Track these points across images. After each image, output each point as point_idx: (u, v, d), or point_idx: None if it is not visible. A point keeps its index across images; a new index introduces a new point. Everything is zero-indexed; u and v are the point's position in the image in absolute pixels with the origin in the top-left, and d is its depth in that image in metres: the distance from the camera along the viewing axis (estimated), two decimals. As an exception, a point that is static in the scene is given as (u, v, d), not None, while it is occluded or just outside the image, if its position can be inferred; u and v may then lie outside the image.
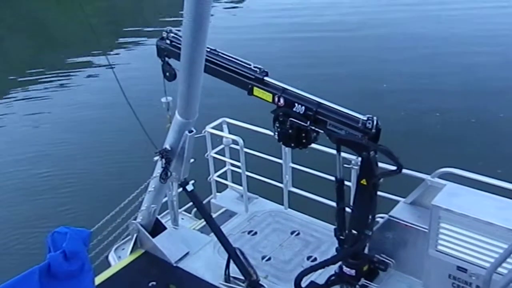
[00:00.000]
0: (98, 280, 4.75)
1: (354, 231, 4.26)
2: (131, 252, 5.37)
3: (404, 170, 3.97)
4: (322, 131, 4.15)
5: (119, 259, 5.38)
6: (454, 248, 4.16)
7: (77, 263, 3.29)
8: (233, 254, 4.76)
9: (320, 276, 4.73)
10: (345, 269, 4.51)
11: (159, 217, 5.47)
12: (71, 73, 17.28)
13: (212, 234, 5.18)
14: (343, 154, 4.29)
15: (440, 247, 4.25)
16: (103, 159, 11.24)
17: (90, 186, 10.13)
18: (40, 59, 19.45)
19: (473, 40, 17.25)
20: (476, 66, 14.98)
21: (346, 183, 4.48)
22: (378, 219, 4.59)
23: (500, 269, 3.35)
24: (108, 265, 5.31)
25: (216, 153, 6.11)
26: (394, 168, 3.92)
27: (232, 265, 4.76)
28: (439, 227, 4.18)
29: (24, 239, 8.49)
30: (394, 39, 17.93)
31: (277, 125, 4.32)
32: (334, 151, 4.25)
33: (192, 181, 5.00)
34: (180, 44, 4.00)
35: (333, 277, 4.61)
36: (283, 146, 5.09)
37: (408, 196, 4.71)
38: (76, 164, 11.12)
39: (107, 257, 5.33)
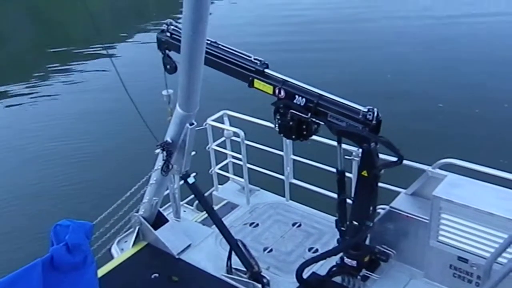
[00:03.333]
0: (101, 272, 4.79)
1: (355, 222, 4.28)
2: (134, 244, 5.40)
3: (405, 161, 3.98)
4: (323, 123, 4.15)
5: (122, 251, 5.42)
6: (455, 239, 4.19)
7: (80, 256, 3.32)
8: (235, 246, 4.79)
9: (322, 267, 4.75)
10: (346, 260, 4.53)
11: (161, 209, 5.49)
12: (74, 67, 17.30)
13: (214, 226, 5.21)
14: (344, 146, 4.29)
15: (441, 238, 4.26)
16: (105, 152, 11.28)
17: (92, 178, 10.17)
18: (43, 53, 19.46)
19: (478, 32, 17.21)
20: (479, 58, 14.94)
21: (347, 174, 4.48)
22: (379, 210, 4.60)
23: (500, 259, 3.36)
24: (110, 257, 5.34)
25: (217, 145, 6.12)
26: (395, 159, 3.92)
27: (234, 257, 4.78)
28: (440, 218, 4.20)
29: (27, 232, 8.53)
30: (399, 31, 17.91)
31: (278, 117, 4.32)
32: (335, 143, 4.26)
33: (194, 174, 5.01)
34: (180, 36, 3.99)
35: (334, 268, 4.63)
36: (284, 138, 5.10)
37: (409, 187, 4.72)
38: (78, 157, 11.15)
39: (109, 249, 5.36)
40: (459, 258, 4.20)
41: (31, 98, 15.14)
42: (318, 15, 20.66)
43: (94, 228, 3.74)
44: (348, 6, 21.58)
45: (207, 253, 5.23)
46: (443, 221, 4.20)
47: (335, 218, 4.54)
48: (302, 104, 4.15)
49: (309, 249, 5.24)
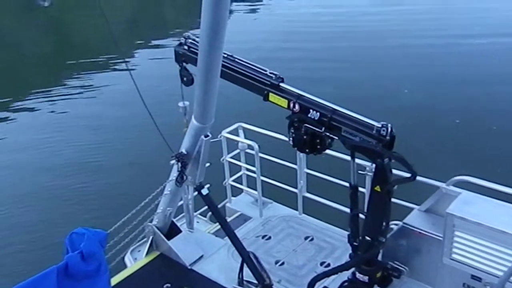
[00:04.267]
0: (114, 281, 4.84)
1: (367, 238, 4.26)
2: (147, 254, 5.44)
3: (419, 178, 3.97)
4: (336, 137, 4.17)
5: (135, 260, 5.46)
6: (468, 257, 4.14)
7: (94, 264, 3.36)
8: (247, 258, 4.79)
9: (333, 282, 4.73)
10: (358, 275, 4.51)
11: (174, 220, 5.53)
12: (91, 77, 17.56)
13: (226, 237, 5.22)
14: (357, 161, 4.29)
15: (454, 256, 4.22)
16: (121, 162, 11.40)
17: (108, 188, 10.28)
18: (61, 63, 19.82)
19: (496, 47, 17.11)
20: (498, 73, 14.84)
21: (360, 189, 4.48)
22: (392, 226, 4.58)
23: None
24: (124, 266, 5.39)
25: (231, 157, 6.16)
26: (408, 175, 3.92)
27: (246, 269, 4.78)
28: (454, 235, 4.17)
29: (43, 239, 8.64)
30: (414, 45, 17.87)
31: (292, 130, 4.34)
32: (348, 157, 4.26)
33: (208, 185, 5.04)
34: (197, 50, 4.06)
35: (346, 283, 4.61)
36: (298, 152, 5.12)
37: (423, 204, 4.69)
38: (94, 166, 11.29)
39: (123, 258, 5.41)
40: (473, 277, 4.15)
41: (48, 106, 15.37)
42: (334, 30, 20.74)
43: (108, 237, 3.79)
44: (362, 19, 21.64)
45: (219, 265, 5.25)
46: (457, 238, 4.16)
47: (347, 232, 4.53)
48: (316, 118, 4.17)
49: (321, 263, 5.23)
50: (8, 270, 7.87)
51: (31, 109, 15.29)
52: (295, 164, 5.66)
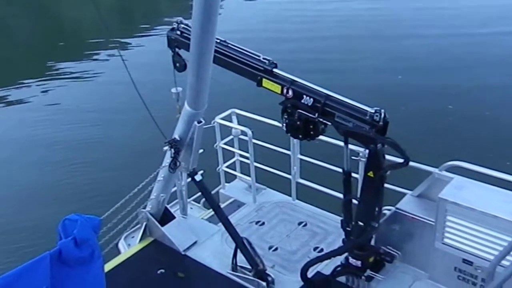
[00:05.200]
0: (108, 267, 4.84)
1: (360, 223, 4.29)
2: (140, 240, 5.45)
3: (411, 163, 3.98)
4: (330, 123, 4.16)
5: (129, 246, 5.47)
6: (460, 241, 4.19)
7: (87, 250, 3.36)
8: (241, 244, 4.82)
9: (326, 267, 4.77)
10: (351, 260, 4.54)
11: (168, 206, 5.54)
12: (83, 63, 17.40)
13: (220, 223, 5.24)
14: (350, 146, 4.30)
15: (446, 240, 4.27)
16: (114, 148, 11.37)
17: (101, 174, 10.25)
18: (51, 52, 19.61)
19: (491, 35, 17.10)
20: (492, 60, 14.85)
21: (354, 175, 4.49)
22: (385, 211, 4.61)
23: (504, 262, 3.36)
24: (117, 252, 5.39)
25: (225, 143, 6.15)
26: (401, 160, 3.93)
27: (239, 255, 4.81)
28: (446, 220, 4.20)
29: (36, 226, 8.63)
30: (411, 32, 17.85)
31: (286, 116, 4.34)
32: (341, 143, 4.27)
33: (201, 171, 5.04)
34: (190, 35, 4.02)
35: (339, 268, 4.65)
36: (291, 138, 5.12)
37: (415, 189, 4.72)
38: (87, 152, 11.25)
39: (116, 244, 5.41)
40: (464, 261, 4.20)
41: (40, 93, 15.25)
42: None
43: (101, 223, 3.78)
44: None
45: (212, 250, 5.27)
46: (449, 223, 4.20)
47: (340, 218, 4.55)
48: (309, 104, 4.16)
49: (314, 249, 5.26)
50: (1, 257, 7.86)
51: (22, 98, 15.14)
52: (289, 150, 5.66)
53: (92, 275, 3.38)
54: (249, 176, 6.10)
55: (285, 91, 4.28)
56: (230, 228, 4.95)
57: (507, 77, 13.62)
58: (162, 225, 5.38)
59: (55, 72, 16.84)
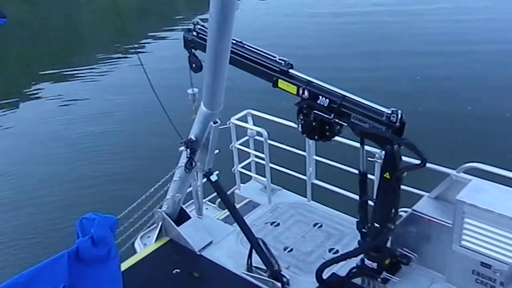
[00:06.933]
0: (124, 266, 4.88)
1: (376, 225, 4.26)
2: (156, 239, 5.49)
3: (429, 165, 3.96)
4: (346, 124, 4.15)
5: (145, 246, 5.51)
6: (478, 244, 4.13)
7: (104, 249, 3.40)
8: (256, 244, 4.82)
9: (342, 268, 4.75)
10: (367, 262, 4.52)
11: (183, 206, 5.57)
12: (102, 65, 17.58)
13: (235, 224, 5.25)
14: (366, 148, 4.28)
15: (464, 243, 4.22)
16: (131, 148, 11.46)
17: (118, 174, 10.35)
18: (70, 53, 19.88)
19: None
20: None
21: (370, 176, 4.47)
22: (401, 213, 4.58)
23: None
24: (134, 251, 5.44)
25: (240, 144, 6.16)
26: (418, 162, 3.90)
27: (255, 255, 4.82)
28: (464, 222, 4.15)
29: (54, 224, 8.75)
30: (429, 32, 17.67)
31: (301, 117, 4.34)
32: (357, 144, 4.24)
33: (217, 172, 5.06)
34: (206, 36, 4.04)
35: (354, 270, 4.62)
36: (307, 139, 5.11)
37: (433, 191, 4.67)
38: (104, 153, 11.37)
39: (133, 244, 5.46)
40: (482, 264, 4.14)
41: (56, 93, 15.44)
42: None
43: (118, 222, 3.82)
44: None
45: (228, 251, 5.28)
46: (466, 225, 4.15)
47: (356, 219, 4.53)
48: (325, 104, 4.15)
49: (330, 250, 5.24)
50: (20, 255, 7.99)
51: (39, 96, 15.37)
52: (304, 151, 5.65)
53: (109, 274, 3.42)
54: (264, 177, 6.10)
55: (301, 91, 4.27)
56: (245, 229, 4.96)
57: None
58: (178, 225, 5.41)
59: (70, 72, 17.05)
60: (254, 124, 6.00)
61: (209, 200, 6.37)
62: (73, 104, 14.63)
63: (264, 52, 4.52)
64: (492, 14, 19.32)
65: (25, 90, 15.95)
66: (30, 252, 7.93)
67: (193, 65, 4.94)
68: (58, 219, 8.78)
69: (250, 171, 6.47)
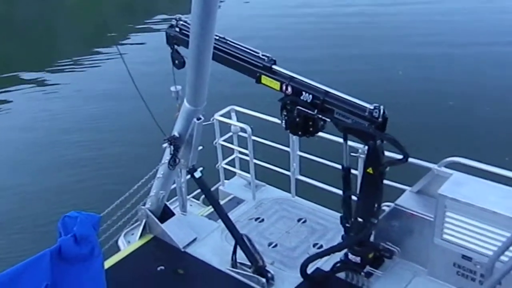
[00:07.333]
0: (108, 264, 4.85)
1: (360, 219, 4.30)
2: (140, 237, 5.46)
3: (411, 159, 3.99)
4: (329, 120, 4.17)
5: (128, 243, 5.48)
6: (459, 237, 4.20)
7: (87, 247, 3.35)
8: (240, 241, 4.83)
9: (326, 263, 4.78)
10: (350, 256, 4.56)
11: (167, 203, 5.54)
12: (82, 61, 17.36)
13: (219, 220, 5.25)
14: (350, 143, 4.31)
15: (445, 236, 4.28)
16: (113, 145, 11.36)
17: (100, 171, 10.25)
18: (52, 49, 19.58)
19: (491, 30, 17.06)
20: (495, 57, 14.82)
21: (353, 171, 4.50)
22: (384, 208, 4.62)
23: (503, 257, 3.37)
24: (117, 249, 5.40)
25: (224, 140, 6.15)
26: (400, 157, 3.94)
27: (239, 251, 4.82)
28: (445, 216, 4.21)
29: (35, 223, 8.64)
30: (411, 27, 17.80)
31: (285, 113, 4.34)
32: (341, 140, 4.27)
33: (200, 168, 5.05)
34: (189, 32, 4.02)
35: (338, 264, 4.66)
36: (290, 134, 5.12)
37: (415, 185, 4.73)
38: (86, 150, 11.25)
39: (116, 241, 5.42)
40: (463, 256, 4.21)
41: (42, 89, 15.24)
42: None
43: (101, 220, 3.78)
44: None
45: (212, 247, 5.28)
46: (448, 219, 4.21)
47: (340, 214, 4.56)
48: (308, 100, 4.17)
49: (314, 245, 5.27)
50: (1, 255, 7.87)
51: (23, 94, 15.13)
52: (288, 146, 5.67)
53: (92, 272, 3.38)
54: (248, 173, 6.10)
55: (284, 87, 4.28)
56: (229, 225, 4.96)
57: (509, 74, 13.59)
58: (162, 222, 5.39)
59: (51, 68, 16.80)
60: (237, 120, 5.99)
61: (193, 197, 6.35)
62: (54, 100, 14.42)
63: (248, 48, 4.51)
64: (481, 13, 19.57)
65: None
66: (11, 252, 7.81)
67: (176, 62, 4.91)
68: (39, 218, 8.67)
69: (234, 167, 6.47)
